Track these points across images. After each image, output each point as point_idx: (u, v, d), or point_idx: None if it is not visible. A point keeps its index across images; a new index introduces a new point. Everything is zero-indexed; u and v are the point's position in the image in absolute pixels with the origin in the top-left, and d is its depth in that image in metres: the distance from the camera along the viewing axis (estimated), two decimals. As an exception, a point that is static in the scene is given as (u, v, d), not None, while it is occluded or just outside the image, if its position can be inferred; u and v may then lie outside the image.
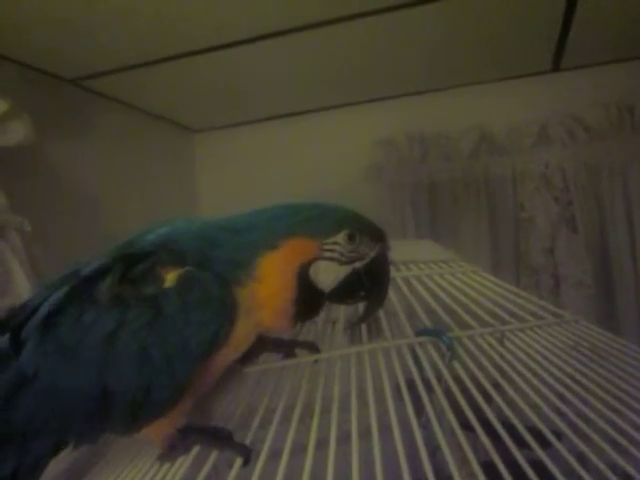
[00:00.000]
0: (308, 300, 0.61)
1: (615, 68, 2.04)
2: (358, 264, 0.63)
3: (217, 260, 0.58)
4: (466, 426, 0.59)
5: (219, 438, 0.58)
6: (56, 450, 0.62)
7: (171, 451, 0.59)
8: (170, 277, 0.55)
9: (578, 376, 0.70)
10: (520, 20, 1.67)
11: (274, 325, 0.61)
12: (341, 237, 0.61)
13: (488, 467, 0.53)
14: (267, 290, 0.58)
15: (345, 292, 0.64)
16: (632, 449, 0.58)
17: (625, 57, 2.00)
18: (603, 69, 2.05)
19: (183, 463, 0.57)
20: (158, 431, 0.58)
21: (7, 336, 0.57)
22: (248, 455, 0.56)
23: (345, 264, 0.62)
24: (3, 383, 0.55)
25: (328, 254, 0.61)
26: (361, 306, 0.70)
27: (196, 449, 0.58)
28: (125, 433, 0.60)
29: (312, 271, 0.60)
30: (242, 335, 0.59)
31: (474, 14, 1.62)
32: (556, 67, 2.07)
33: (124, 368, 0.53)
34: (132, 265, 0.56)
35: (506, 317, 0.80)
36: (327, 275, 0.61)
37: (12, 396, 0.55)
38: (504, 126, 2.16)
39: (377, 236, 0.64)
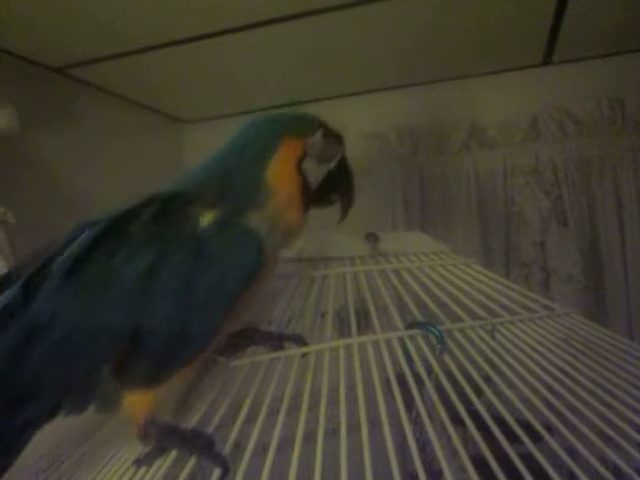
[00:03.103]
0: (306, 194, 0.66)
1: (606, 62, 2.04)
2: (331, 164, 0.69)
3: (238, 189, 0.61)
4: (457, 420, 0.58)
5: (198, 445, 0.56)
6: (46, 418, 0.56)
7: (146, 438, 0.57)
8: (207, 217, 0.56)
9: (569, 369, 0.69)
10: (511, 13, 1.66)
11: (298, 221, 0.66)
12: (319, 136, 0.66)
13: (478, 461, 0.52)
14: (284, 195, 0.63)
15: (323, 192, 0.69)
16: (623, 443, 0.58)
17: (616, 51, 2.00)
18: (594, 63, 2.05)
19: (168, 457, 0.55)
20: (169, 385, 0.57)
21: (18, 285, 0.53)
22: (226, 467, 0.53)
23: (322, 163, 0.67)
24: (9, 338, 0.50)
25: (311, 151, 0.65)
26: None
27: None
28: (145, 386, 0.56)
29: (304, 167, 0.65)
30: (272, 255, 0.62)
31: (465, 6, 1.61)
32: (547, 61, 2.07)
33: (163, 303, 0.52)
34: (164, 205, 0.57)
35: (497, 310, 0.79)
36: (313, 171, 0.66)
37: (18, 352, 0.50)
38: (495, 120, 2.15)
39: (340, 138, 0.70)
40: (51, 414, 0.56)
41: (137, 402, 0.57)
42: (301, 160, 0.65)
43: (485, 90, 2.19)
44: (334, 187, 0.70)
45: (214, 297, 0.54)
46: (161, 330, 0.53)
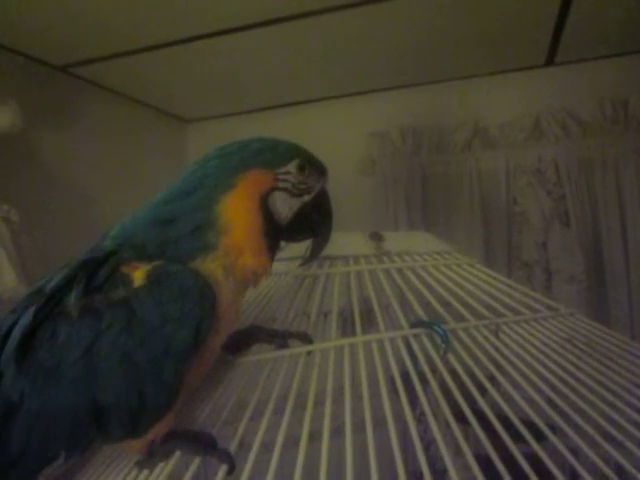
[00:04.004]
0: (272, 232, 0.61)
1: (609, 63, 2.04)
2: (307, 197, 0.63)
3: (179, 238, 0.57)
4: (461, 419, 0.58)
5: (201, 444, 0.56)
6: (46, 465, 0.58)
7: (150, 457, 0.56)
8: (138, 275, 0.52)
9: (573, 369, 0.69)
10: (515, 14, 1.66)
11: (257, 265, 0.59)
12: (293, 167, 0.62)
13: (482, 460, 0.52)
14: (239, 233, 0.57)
15: (297, 226, 0.64)
16: (627, 442, 0.58)
17: (620, 52, 2.00)
18: (597, 64, 2.05)
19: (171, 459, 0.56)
20: (153, 434, 0.55)
21: None
22: (232, 463, 0.53)
23: (296, 196, 0.62)
24: None
25: (282, 184, 0.61)
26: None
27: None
28: (127, 439, 0.56)
29: (270, 201, 0.60)
30: (233, 301, 0.58)
31: (469, 7, 1.61)
32: (550, 61, 2.07)
33: (110, 379, 0.50)
34: (95, 270, 0.53)
35: (501, 310, 0.80)
36: (283, 206, 0.62)
37: (2, 424, 0.52)
38: (497, 120, 2.16)
39: (322, 170, 0.65)
40: (48, 462, 0.57)
41: (130, 445, 0.57)
42: (268, 193, 0.60)
43: (488, 90, 2.19)
44: (308, 222, 0.65)
45: (163, 362, 0.51)
46: (118, 403, 0.51)
